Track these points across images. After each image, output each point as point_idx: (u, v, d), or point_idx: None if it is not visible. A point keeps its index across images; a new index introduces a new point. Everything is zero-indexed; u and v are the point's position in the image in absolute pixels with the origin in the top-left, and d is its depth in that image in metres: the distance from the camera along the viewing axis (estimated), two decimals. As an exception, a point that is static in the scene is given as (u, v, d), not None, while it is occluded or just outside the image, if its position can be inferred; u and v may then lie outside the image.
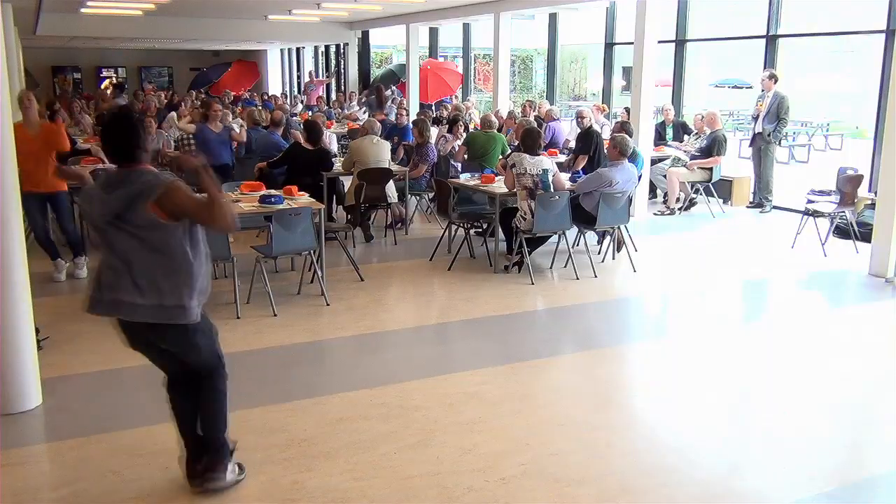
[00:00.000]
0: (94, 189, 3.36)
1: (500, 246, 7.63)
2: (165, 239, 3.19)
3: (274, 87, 26.71)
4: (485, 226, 7.89)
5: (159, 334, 3.31)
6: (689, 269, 7.76)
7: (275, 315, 6.13)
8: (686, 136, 11.01)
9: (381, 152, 8.60)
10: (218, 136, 9.20)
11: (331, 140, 10.40)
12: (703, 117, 10.63)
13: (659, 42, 10.16)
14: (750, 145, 10.64)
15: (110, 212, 3.15)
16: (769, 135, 10.13)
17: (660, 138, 11.00)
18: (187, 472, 3.55)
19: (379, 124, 9.22)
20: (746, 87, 19.83)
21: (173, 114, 12.77)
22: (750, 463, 3.94)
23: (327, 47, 22.81)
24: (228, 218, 3.20)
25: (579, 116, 9.48)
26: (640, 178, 8.50)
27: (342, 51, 21.27)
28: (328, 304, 6.43)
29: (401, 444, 4.05)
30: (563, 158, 9.52)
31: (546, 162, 7.26)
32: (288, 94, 24.12)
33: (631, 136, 7.99)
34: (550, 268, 7.65)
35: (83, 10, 14.89)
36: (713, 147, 10.08)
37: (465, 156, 9.45)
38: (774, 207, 10.44)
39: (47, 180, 6.54)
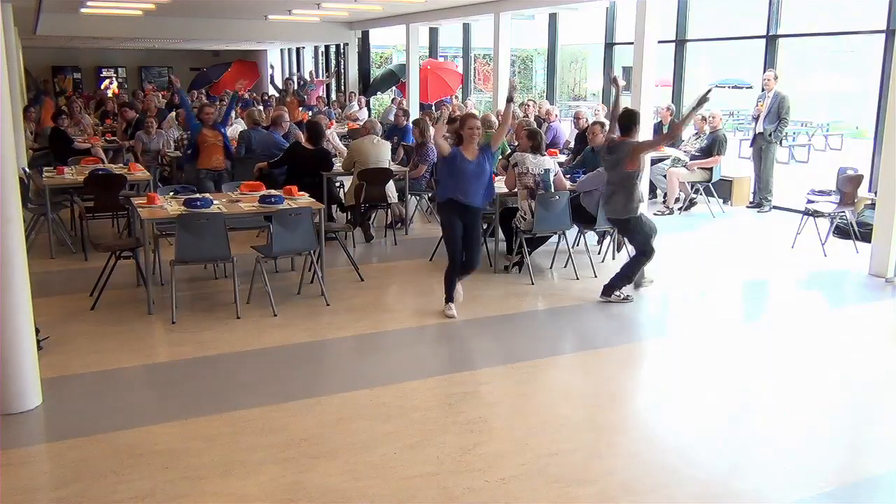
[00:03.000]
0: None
1: (500, 246, 7.64)
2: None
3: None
4: (485, 226, 7.87)
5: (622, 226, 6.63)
6: (689, 269, 7.76)
7: (275, 315, 6.13)
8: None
9: (382, 152, 8.60)
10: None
11: (335, 140, 10.37)
12: (703, 117, 10.62)
13: (659, 42, 10.14)
14: (751, 145, 10.63)
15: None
16: (770, 135, 10.13)
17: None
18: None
19: (379, 125, 9.19)
20: (746, 87, 19.82)
21: (173, 114, 12.77)
22: (750, 463, 3.93)
23: (327, 47, 22.79)
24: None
25: (576, 118, 9.48)
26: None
27: (342, 51, 21.25)
28: (328, 304, 6.43)
29: (401, 444, 4.05)
30: (563, 158, 9.52)
31: (548, 162, 7.25)
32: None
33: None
34: (550, 268, 7.65)
35: (83, 10, 14.88)
36: (713, 147, 10.09)
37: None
38: (774, 207, 10.44)
39: None
